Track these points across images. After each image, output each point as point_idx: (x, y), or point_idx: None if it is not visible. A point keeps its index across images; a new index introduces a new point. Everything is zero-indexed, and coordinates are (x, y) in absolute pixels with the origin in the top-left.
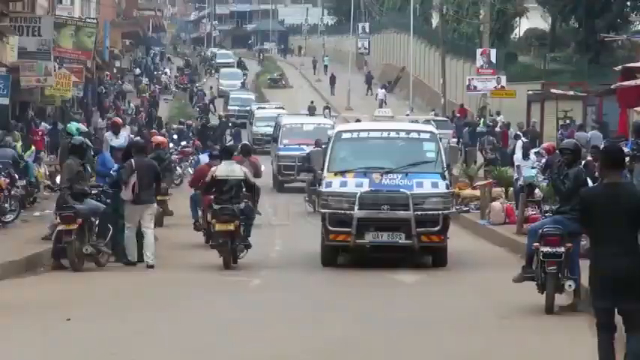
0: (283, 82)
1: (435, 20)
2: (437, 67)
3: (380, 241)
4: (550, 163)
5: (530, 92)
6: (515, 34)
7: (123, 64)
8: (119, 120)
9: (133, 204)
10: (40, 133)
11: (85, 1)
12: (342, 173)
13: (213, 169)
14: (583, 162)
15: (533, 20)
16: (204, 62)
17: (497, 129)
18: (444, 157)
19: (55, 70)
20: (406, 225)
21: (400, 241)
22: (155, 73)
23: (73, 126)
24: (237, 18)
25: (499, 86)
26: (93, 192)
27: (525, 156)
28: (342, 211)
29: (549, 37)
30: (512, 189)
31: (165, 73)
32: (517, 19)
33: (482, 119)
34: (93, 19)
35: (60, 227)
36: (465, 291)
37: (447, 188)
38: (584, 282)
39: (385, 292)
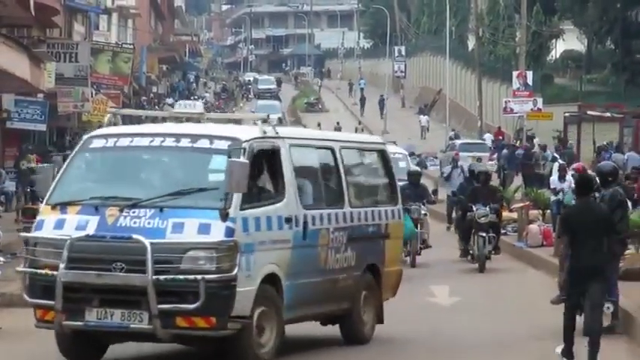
0: (320, 106)
1: (471, 43)
2: (473, 89)
3: (106, 323)
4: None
5: (567, 114)
6: (552, 56)
7: (160, 90)
8: None
9: None
10: None
11: (121, 27)
12: (64, 206)
13: None
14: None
15: (569, 42)
16: (241, 87)
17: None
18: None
19: (92, 96)
20: (145, 298)
21: (133, 326)
22: (191, 98)
23: None
24: (273, 42)
25: (535, 108)
26: None
27: (562, 177)
28: (45, 271)
29: (585, 58)
30: (549, 211)
31: (203, 98)
32: (553, 41)
33: (519, 141)
34: (130, 44)
35: None
36: (503, 313)
37: (229, 235)
38: (622, 304)
39: (422, 316)
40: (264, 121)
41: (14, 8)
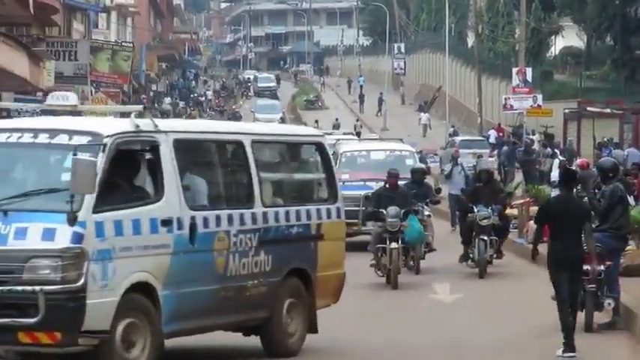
0: (319, 104)
1: (470, 39)
2: (473, 86)
3: None
4: (585, 179)
5: (567, 110)
6: (551, 53)
7: (159, 88)
8: None
9: None
10: None
11: (120, 25)
12: None
13: None
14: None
15: (568, 38)
16: (241, 85)
17: (535, 147)
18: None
19: (91, 94)
20: None
21: None
22: (191, 96)
23: None
24: (272, 40)
25: (535, 105)
26: None
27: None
28: None
29: (585, 55)
30: None
31: (203, 96)
32: (552, 37)
33: (518, 137)
34: (129, 42)
35: None
36: (504, 309)
37: (76, 241)
38: (623, 300)
39: (424, 312)
40: (140, 114)
41: (13, 7)
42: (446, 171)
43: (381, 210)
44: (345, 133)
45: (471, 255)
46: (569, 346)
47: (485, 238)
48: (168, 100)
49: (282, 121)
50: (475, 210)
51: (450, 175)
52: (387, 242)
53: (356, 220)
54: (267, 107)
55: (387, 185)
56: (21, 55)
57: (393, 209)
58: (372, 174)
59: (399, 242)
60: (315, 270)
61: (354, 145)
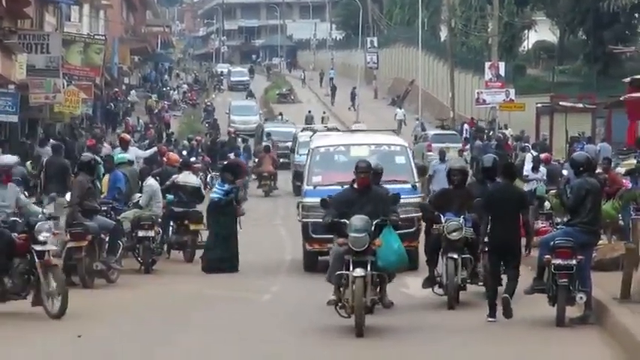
0: (292, 97)
1: (443, 34)
2: (446, 80)
3: None
4: (551, 174)
5: (539, 105)
6: (524, 47)
7: (132, 81)
8: (127, 136)
9: None
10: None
11: (93, 18)
12: None
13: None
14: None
15: (541, 33)
16: (213, 78)
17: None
18: None
19: (63, 87)
20: None
21: None
22: (164, 89)
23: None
24: (245, 33)
25: (508, 99)
26: (103, 209)
27: (535, 168)
28: None
29: (557, 49)
30: None
31: (177, 89)
32: (525, 31)
33: (492, 132)
34: (101, 35)
35: (70, 244)
36: (476, 303)
37: None
38: (595, 294)
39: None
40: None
41: None
42: (432, 170)
43: (343, 221)
44: (329, 129)
45: (439, 278)
46: (492, 311)
47: (456, 256)
48: (134, 92)
49: (261, 129)
50: (443, 219)
51: (434, 174)
52: (350, 268)
53: (331, 236)
54: (243, 109)
55: (356, 185)
56: None
57: (358, 220)
58: (353, 175)
59: (368, 268)
60: None
61: (331, 139)
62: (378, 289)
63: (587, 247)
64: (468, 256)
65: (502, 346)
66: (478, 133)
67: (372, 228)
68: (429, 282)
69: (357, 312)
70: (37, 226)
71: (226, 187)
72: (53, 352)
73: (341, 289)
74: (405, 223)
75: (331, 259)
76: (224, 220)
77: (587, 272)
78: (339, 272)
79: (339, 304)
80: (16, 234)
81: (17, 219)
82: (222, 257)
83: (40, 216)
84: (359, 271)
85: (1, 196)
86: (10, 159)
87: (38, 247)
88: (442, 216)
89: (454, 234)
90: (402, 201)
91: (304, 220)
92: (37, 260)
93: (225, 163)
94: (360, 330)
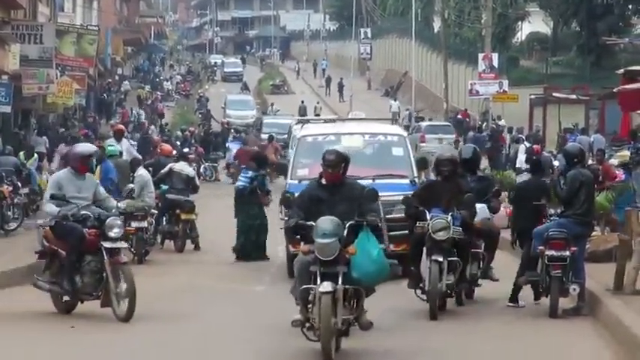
0: (285, 88)
1: (436, 25)
2: (439, 71)
3: None
4: (542, 165)
5: (533, 96)
6: (517, 39)
7: (125, 72)
8: (121, 127)
9: None
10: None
11: (86, 9)
12: None
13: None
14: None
15: (534, 24)
16: (207, 69)
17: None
18: None
19: (57, 78)
20: None
21: None
22: (157, 80)
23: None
24: (238, 24)
25: (501, 90)
26: None
27: (528, 160)
28: None
29: (551, 40)
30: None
31: (170, 80)
32: (519, 23)
33: (485, 123)
34: (95, 26)
35: None
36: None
37: None
38: (588, 286)
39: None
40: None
41: None
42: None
43: (309, 223)
44: (325, 120)
45: (424, 279)
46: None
47: (441, 259)
48: (126, 82)
49: (258, 123)
50: (428, 216)
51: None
52: (317, 281)
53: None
54: (239, 103)
55: (324, 180)
56: None
57: (326, 222)
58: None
59: (339, 281)
60: None
61: (320, 128)
62: (353, 307)
63: (581, 239)
64: (456, 258)
65: (494, 337)
66: (459, 123)
67: (345, 232)
68: (414, 282)
69: (324, 336)
70: (107, 222)
71: (250, 173)
72: (46, 342)
73: (309, 306)
74: (403, 223)
75: (295, 271)
76: (249, 209)
77: (581, 264)
78: (304, 286)
79: (307, 325)
80: (86, 229)
81: (88, 213)
82: (249, 245)
83: (113, 210)
84: (326, 286)
85: (77, 188)
86: (88, 147)
87: (107, 244)
88: (427, 212)
89: (440, 233)
90: (400, 198)
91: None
92: (105, 258)
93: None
94: (329, 357)
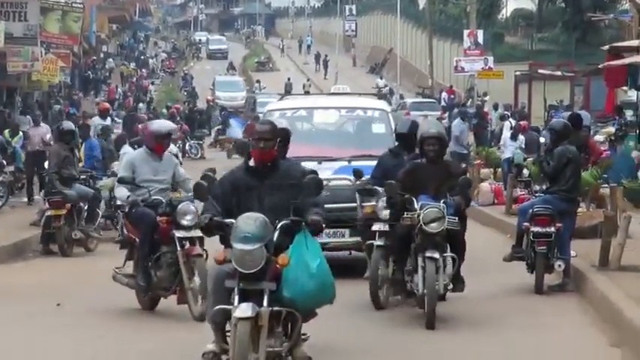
0: (270, 65)
1: (421, 2)
2: (424, 48)
3: None
4: (529, 141)
5: (518, 73)
6: (502, 15)
7: (109, 49)
8: (106, 105)
9: None
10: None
11: None
12: None
13: None
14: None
15: (519, 0)
16: (192, 46)
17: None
18: None
19: (41, 56)
20: None
21: None
22: (142, 57)
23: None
24: (223, 1)
25: (486, 67)
26: (81, 177)
27: (514, 137)
28: None
29: (536, 17)
30: (500, 169)
31: (155, 57)
32: None
33: (470, 100)
34: (79, 3)
35: (49, 213)
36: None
37: None
38: (573, 262)
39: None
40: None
41: None
42: (457, 129)
43: (228, 221)
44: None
45: (410, 283)
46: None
47: (437, 255)
48: (111, 60)
49: (251, 105)
50: (416, 205)
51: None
52: (235, 301)
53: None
54: (228, 84)
55: (252, 162)
56: None
57: (249, 221)
58: (317, 149)
59: (265, 302)
60: None
61: (291, 102)
62: (287, 334)
63: (567, 215)
64: (452, 255)
65: (479, 313)
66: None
67: (275, 234)
68: (397, 288)
69: None
70: (179, 207)
71: None
72: (32, 319)
73: (227, 333)
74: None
75: (209, 286)
76: None
77: (567, 240)
78: (218, 307)
79: (225, 357)
80: (157, 216)
81: (160, 198)
82: None
83: (190, 194)
84: (245, 309)
85: (154, 170)
86: (167, 125)
87: (179, 234)
88: (414, 200)
89: (433, 225)
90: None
91: None
92: (178, 249)
93: None
94: None
